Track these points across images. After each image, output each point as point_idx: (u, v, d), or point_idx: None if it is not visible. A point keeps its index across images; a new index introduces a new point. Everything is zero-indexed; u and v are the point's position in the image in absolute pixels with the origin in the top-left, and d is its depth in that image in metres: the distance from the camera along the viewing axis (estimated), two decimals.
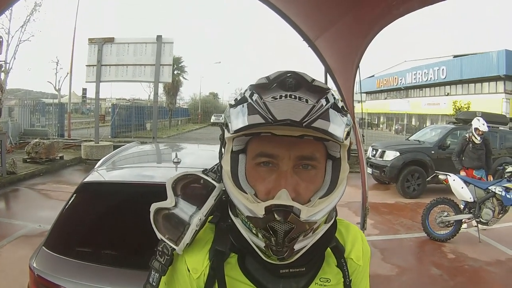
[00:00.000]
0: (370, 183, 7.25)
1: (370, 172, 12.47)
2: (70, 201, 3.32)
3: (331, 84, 6.71)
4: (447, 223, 7.72)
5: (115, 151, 4.92)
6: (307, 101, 1.01)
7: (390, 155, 12.36)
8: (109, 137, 23.38)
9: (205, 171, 1.28)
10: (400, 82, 52.45)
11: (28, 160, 15.01)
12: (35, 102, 27.61)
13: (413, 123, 36.68)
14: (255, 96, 1.03)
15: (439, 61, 45.74)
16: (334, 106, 1.05)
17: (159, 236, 1.23)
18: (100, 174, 3.71)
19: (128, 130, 26.73)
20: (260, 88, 1.06)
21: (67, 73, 33.69)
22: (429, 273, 6.40)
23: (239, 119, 1.04)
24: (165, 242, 1.21)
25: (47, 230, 3.24)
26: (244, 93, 1.09)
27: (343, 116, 1.07)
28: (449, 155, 12.03)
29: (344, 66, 6.33)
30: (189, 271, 1.21)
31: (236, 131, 1.05)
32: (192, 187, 1.28)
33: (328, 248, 1.22)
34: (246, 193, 1.08)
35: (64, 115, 24.72)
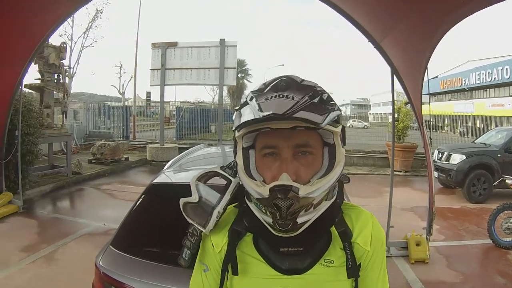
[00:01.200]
0: (435, 187, 7.07)
1: (436, 176, 12.04)
2: (138, 201, 3.39)
3: (398, 86, 6.61)
4: None
5: (183, 153, 4.99)
6: (293, 98, 1.18)
7: (457, 158, 12.00)
8: (174, 139, 23.61)
9: (222, 168, 1.53)
10: (464, 83, 50.88)
11: (93, 161, 15.51)
12: (100, 105, 28.42)
13: (478, 125, 35.59)
14: (253, 100, 1.24)
15: (503, 60, 43.84)
16: (319, 99, 1.22)
17: (189, 220, 1.45)
18: (168, 176, 3.77)
19: (193, 133, 26.85)
20: (257, 92, 1.26)
21: (131, 77, 34.69)
22: (494, 282, 6.16)
23: (239, 119, 1.26)
24: (194, 225, 1.45)
25: (112, 229, 3.30)
26: (246, 98, 1.31)
27: (328, 107, 1.24)
28: None
29: (411, 67, 6.20)
30: (213, 246, 1.46)
31: (236, 128, 1.29)
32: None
33: (336, 232, 1.37)
34: (256, 180, 1.29)
35: (129, 117, 25.24)
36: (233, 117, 1.35)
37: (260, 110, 1.17)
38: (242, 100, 1.34)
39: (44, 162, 13.09)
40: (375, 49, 6.18)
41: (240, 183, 1.38)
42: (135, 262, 2.89)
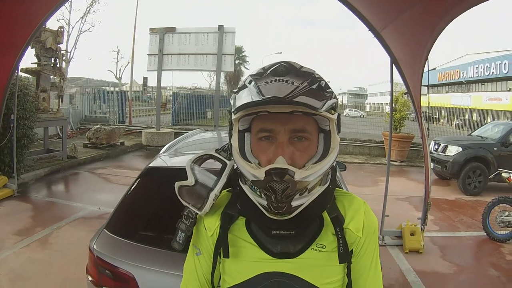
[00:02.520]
0: (431, 178, 7.09)
1: (432, 167, 12.05)
2: (134, 185, 3.37)
3: (397, 76, 6.59)
4: (507, 223, 7.41)
5: (179, 138, 4.98)
6: (293, 83, 1.19)
7: (453, 150, 12.03)
8: (170, 124, 23.58)
9: (217, 150, 1.54)
10: (462, 76, 50.91)
11: (88, 145, 15.50)
12: (96, 89, 28.33)
13: (474, 118, 35.63)
14: (252, 83, 1.24)
15: (502, 55, 43.82)
16: (318, 86, 1.24)
17: (184, 203, 1.46)
18: (163, 160, 3.75)
19: (189, 118, 26.82)
20: (257, 76, 1.27)
21: (128, 62, 34.53)
22: (487, 274, 6.20)
23: (238, 102, 1.25)
24: (190, 208, 1.45)
25: (107, 213, 3.29)
26: (245, 81, 1.31)
27: (326, 94, 1.25)
28: (511, 152, 11.81)
29: (411, 57, 6.17)
30: (205, 229, 1.48)
31: (235, 110, 1.27)
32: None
33: (328, 218, 1.39)
34: (251, 163, 1.29)
35: (125, 102, 25.11)
36: (230, 100, 1.37)
37: (261, 93, 1.17)
38: (240, 84, 1.34)
39: (40, 146, 13.06)
40: (375, 38, 6.15)
41: (235, 166, 1.40)
42: (129, 246, 2.87)
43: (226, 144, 1.51)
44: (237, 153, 1.33)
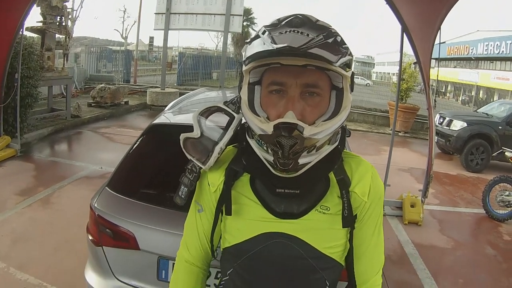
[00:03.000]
0: (434, 151, 7.08)
1: (435, 140, 11.91)
2: (137, 143, 3.34)
3: (407, 45, 6.48)
4: (507, 203, 7.39)
5: (184, 96, 4.93)
6: (308, 35, 1.16)
7: (458, 125, 11.94)
8: (175, 84, 23.51)
9: (226, 103, 1.49)
10: (471, 52, 50.29)
11: (92, 104, 15.49)
12: (102, 49, 28.05)
13: (481, 95, 35.37)
14: (266, 34, 1.20)
15: None
16: (334, 40, 1.20)
17: (189, 157, 1.44)
18: (168, 117, 3.72)
19: (195, 79, 26.59)
20: (271, 27, 1.23)
21: (135, 21, 34.29)
22: (484, 252, 6.23)
23: (251, 51, 1.22)
24: (194, 162, 1.44)
25: (109, 172, 3.27)
26: (258, 32, 1.26)
27: (342, 49, 1.21)
28: None
29: (423, 26, 6.05)
30: (209, 185, 1.47)
31: (247, 59, 1.24)
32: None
33: (334, 179, 1.37)
34: (260, 117, 1.27)
35: (131, 62, 24.96)
36: (242, 50, 1.32)
37: (274, 42, 1.14)
38: (254, 35, 1.30)
39: (43, 106, 13.00)
40: (387, 5, 6.04)
41: (243, 120, 1.38)
42: (131, 204, 2.86)
43: (235, 96, 1.48)
44: (246, 106, 1.31)
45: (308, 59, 1.14)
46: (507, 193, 7.42)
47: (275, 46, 1.12)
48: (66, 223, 5.68)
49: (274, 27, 1.22)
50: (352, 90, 1.30)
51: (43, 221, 5.77)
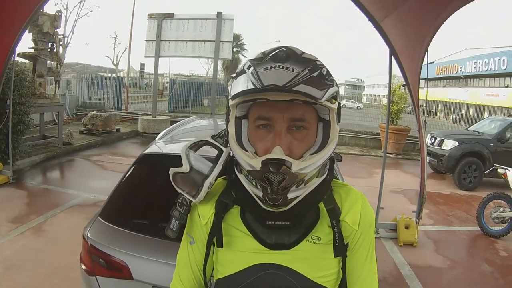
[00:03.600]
0: (426, 171, 7.12)
1: (428, 161, 11.97)
2: (129, 172, 3.35)
3: (395, 68, 6.55)
4: (502, 219, 7.42)
5: (174, 124, 4.95)
6: (293, 70, 1.15)
7: (449, 144, 12.01)
8: (166, 111, 23.45)
9: (213, 137, 1.49)
10: (460, 71, 50.80)
11: (84, 132, 15.44)
12: (93, 75, 28.05)
13: (471, 113, 35.64)
14: (251, 69, 1.19)
15: (501, 51, 43.57)
16: (319, 74, 1.19)
17: (179, 190, 1.43)
18: (159, 146, 3.72)
19: (186, 105, 26.63)
20: (256, 61, 1.22)
21: (125, 48, 34.46)
22: (480, 269, 6.22)
23: (236, 88, 1.21)
24: (184, 195, 1.42)
25: (102, 200, 3.27)
26: (243, 66, 1.25)
27: (327, 82, 1.21)
28: (507, 148, 11.78)
29: (411, 49, 6.13)
30: (199, 217, 1.45)
31: (233, 97, 1.23)
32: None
33: (324, 209, 1.36)
34: (248, 152, 1.26)
35: (122, 89, 24.98)
36: (228, 85, 1.32)
37: (260, 80, 1.14)
38: (239, 69, 1.29)
39: (35, 132, 12.95)
40: (374, 29, 6.11)
41: (231, 153, 1.37)
42: (123, 234, 2.86)
43: (223, 130, 1.48)
44: (233, 140, 1.30)
45: (294, 94, 1.14)
46: (501, 209, 7.43)
47: (261, 85, 1.12)
48: (59, 251, 5.62)
49: (259, 61, 1.22)
50: (339, 121, 1.31)
51: (36, 249, 5.72)
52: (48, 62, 13.08)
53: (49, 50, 12.66)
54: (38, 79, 12.23)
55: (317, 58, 1.26)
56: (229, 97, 1.28)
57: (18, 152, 9.92)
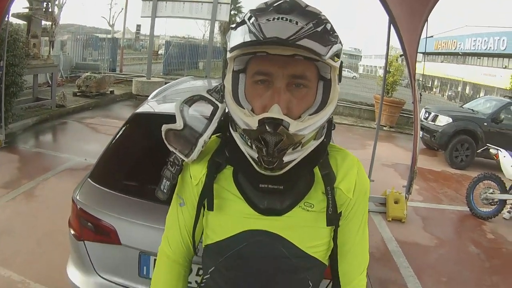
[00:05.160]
0: (419, 147, 7.12)
1: (420, 136, 11.84)
2: (120, 132, 3.30)
3: (394, 37, 6.46)
4: (491, 201, 7.45)
5: (168, 84, 4.90)
6: (297, 23, 1.10)
7: (443, 120, 11.98)
8: (161, 73, 23.34)
9: (209, 91, 1.44)
10: (459, 47, 50.46)
11: (78, 94, 15.28)
12: (88, 36, 27.61)
13: (467, 91, 35.49)
14: (252, 19, 1.15)
15: (501, 31, 43.08)
16: (323, 29, 1.15)
17: (171, 148, 1.40)
18: (151, 106, 3.67)
19: (181, 68, 26.36)
20: (258, 12, 1.17)
21: (122, 8, 33.81)
22: (467, 250, 6.29)
23: (236, 39, 1.17)
24: (176, 154, 1.39)
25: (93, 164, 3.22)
26: (244, 17, 1.21)
27: (331, 38, 1.17)
28: (501, 129, 11.78)
29: (411, 17, 6.03)
30: (191, 177, 1.42)
31: (232, 49, 1.18)
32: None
33: (319, 174, 1.33)
34: (244, 108, 1.23)
35: (117, 50, 24.70)
36: (227, 36, 1.26)
37: (261, 32, 1.10)
38: (239, 19, 1.25)
39: (29, 95, 12.73)
40: None
41: (227, 110, 1.32)
42: (113, 196, 2.82)
43: (219, 84, 1.43)
44: (229, 95, 1.27)
45: (297, 49, 1.10)
46: (491, 190, 7.47)
47: (263, 37, 1.09)
48: (50, 216, 5.61)
49: (261, 12, 1.17)
50: (340, 81, 1.27)
51: (27, 214, 5.71)
52: (43, 22, 12.84)
53: (44, 10, 12.41)
54: (32, 39, 12.02)
55: (321, 12, 1.22)
56: (228, 49, 1.23)
57: (10, 115, 9.74)
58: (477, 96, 24.19)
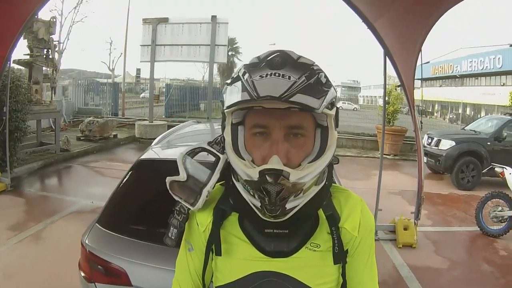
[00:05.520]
0: (424, 172, 7.12)
1: (425, 161, 12.00)
2: (125, 178, 3.34)
3: (390, 68, 6.56)
4: (500, 218, 7.43)
5: (171, 129, 4.95)
6: (289, 77, 1.12)
7: (446, 144, 12.00)
8: (163, 116, 23.46)
9: (210, 143, 1.46)
10: (456, 70, 50.85)
11: (81, 138, 15.41)
12: (89, 81, 28.00)
13: (468, 112, 35.59)
14: (246, 76, 1.17)
15: (496, 49, 43.60)
16: (316, 80, 1.16)
17: (176, 198, 1.40)
18: (155, 152, 3.72)
19: (182, 110, 26.48)
20: (251, 67, 1.19)
21: (121, 53, 34.38)
22: (480, 269, 6.22)
23: (232, 96, 1.19)
24: (182, 203, 1.40)
25: (100, 207, 3.26)
26: (238, 72, 1.23)
27: (325, 88, 1.17)
28: (504, 147, 11.78)
29: (404, 49, 6.15)
30: (198, 225, 1.44)
31: (228, 107, 1.21)
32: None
33: (323, 216, 1.34)
34: (244, 160, 1.24)
35: (118, 94, 24.86)
36: (223, 91, 1.29)
37: (255, 89, 1.11)
38: (234, 74, 1.27)
39: (33, 139, 12.92)
40: (368, 29, 6.12)
41: (228, 160, 1.33)
42: (122, 240, 2.86)
43: (219, 136, 1.44)
44: (230, 147, 1.28)
45: (291, 104, 1.12)
46: (500, 208, 7.44)
47: (256, 96, 1.10)
48: (58, 258, 5.60)
49: (254, 67, 1.19)
50: (337, 126, 1.29)
51: (35, 257, 5.71)
52: (44, 68, 13.07)
53: (44, 56, 12.65)
54: (34, 85, 12.22)
55: (314, 63, 1.23)
56: (224, 106, 1.26)
57: (15, 160, 9.89)
58: (478, 116, 24.25)
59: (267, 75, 1.14)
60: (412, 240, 6.77)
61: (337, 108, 1.28)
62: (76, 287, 3.00)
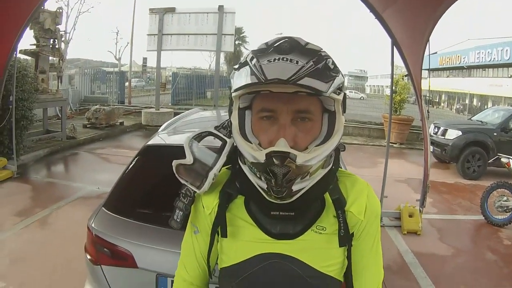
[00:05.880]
0: (430, 161, 7.11)
1: (431, 150, 11.77)
2: (132, 163, 3.36)
3: (397, 58, 6.56)
4: (505, 208, 7.43)
5: (177, 116, 4.95)
6: (297, 62, 1.13)
7: (452, 133, 12.03)
8: (170, 104, 23.54)
9: (217, 127, 1.47)
10: (463, 61, 50.63)
11: (88, 126, 15.47)
12: (95, 70, 28.06)
13: (475, 103, 35.42)
14: (254, 60, 1.18)
15: (503, 41, 43.40)
16: (324, 65, 1.17)
17: (182, 181, 1.43)
18: (162, 138, 3.74)
19: (189, 98, 26.58)
20: (259, 53, 1.20)
21: (128, 43, 34.36)
22: (484, 258, 6.23)
23: (239, 80, 1.20)
24: (188, 186, 1.42)
25: (106, 192, 3.28)
26: (246, 57, 1.23)
27: (333, 74, 1.19)
28: (511, 138, 11.81)
29: (412, 39, 6.15)
30: (203, 207, 1.46)
31: (235, 90, 1.21)
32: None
33: (330, 199, 1.35)
34: (251, 143, 1.26)
35: (125, 83, 24.95)
36: (231, 76, 1.30)
37: (263, 73, 1.12)
38: (242, 59, 1.27)
39: (39, 127, 12.98)
40: (376, 20, 6.11)
41: (235, 144, 1.34)
42: (127, 223, 2.88)
43: (226, 120, 1.44)
44: (237, 131, 1.29)
45: (298, 87, 1.12)
46: (505, 198, 7.45)
47: (264, 78, 1.11)
48: (64, 243, 5.65)
49: (262, 52, 1.20)
50: (344, 111, 1.29)
51: (41, 241, 5.76)
52: (50, 58, 13.12)
53: (51, 46, 12.71)
54: (40, 75, 12.27)
55: (322, 49, 1.24)
56: (232, 90, 1.26)
57: (22, 147, 9.93)
58: (485, 107, 24.13)
59: (275, 59, 1.15)
60: (417, 227, 6.79)
61: (345, 94, 1.28)
62: (82, 271, 3.03)
